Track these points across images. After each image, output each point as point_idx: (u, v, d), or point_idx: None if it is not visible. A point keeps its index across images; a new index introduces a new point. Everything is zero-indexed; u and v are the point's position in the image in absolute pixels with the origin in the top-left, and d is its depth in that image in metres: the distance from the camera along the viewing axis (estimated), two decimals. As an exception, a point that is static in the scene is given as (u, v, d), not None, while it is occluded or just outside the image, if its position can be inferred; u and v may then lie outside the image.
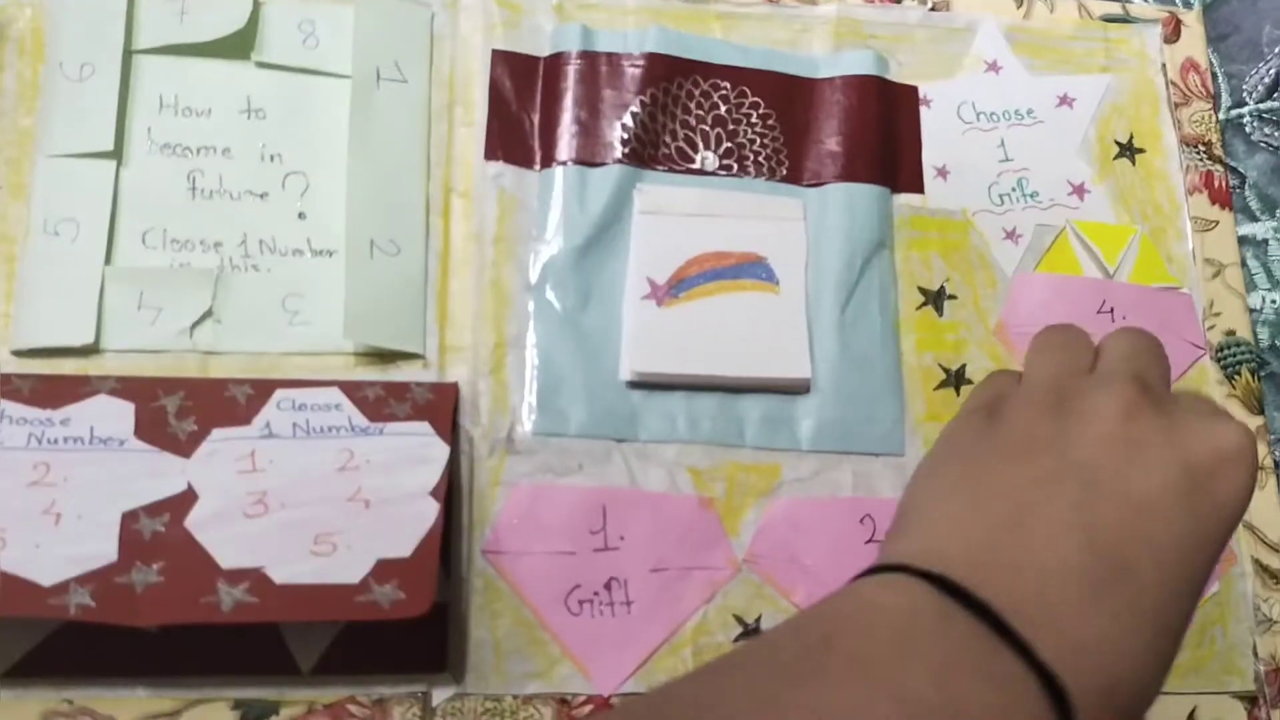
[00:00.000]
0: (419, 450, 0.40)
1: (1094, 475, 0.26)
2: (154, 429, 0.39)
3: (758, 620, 0.41)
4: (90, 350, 0.41)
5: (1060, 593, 0.24)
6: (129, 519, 0.37)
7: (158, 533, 0.37)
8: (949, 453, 0.29)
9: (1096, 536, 0.25)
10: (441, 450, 0.40)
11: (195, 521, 0.38)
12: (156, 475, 0.38)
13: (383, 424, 0.40)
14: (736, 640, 0.41)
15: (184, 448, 0.39)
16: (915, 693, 0.22)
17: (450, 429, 0.41)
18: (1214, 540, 0.26)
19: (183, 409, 0.40)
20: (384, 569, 0.37)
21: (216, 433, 0.39)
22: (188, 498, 0.38)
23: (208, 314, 0.42)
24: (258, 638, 0.39)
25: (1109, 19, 0.52)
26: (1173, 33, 0.52)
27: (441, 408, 0.41)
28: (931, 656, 0.23)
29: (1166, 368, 0.30)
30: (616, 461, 0.42)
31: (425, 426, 0.40)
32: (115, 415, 0.39)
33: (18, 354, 0.41)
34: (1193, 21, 0.52)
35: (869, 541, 0.42)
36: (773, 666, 0.23)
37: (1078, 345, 0.31)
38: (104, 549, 0.37)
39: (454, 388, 0.42)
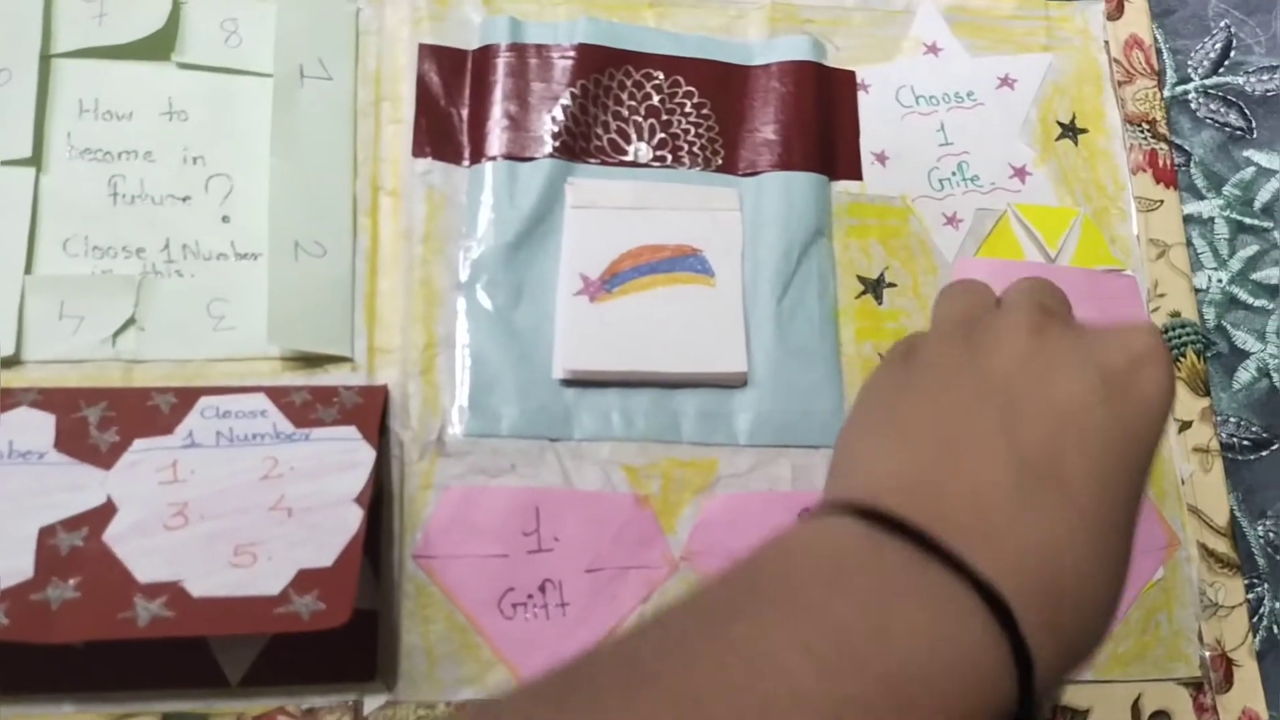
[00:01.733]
0: (345, 456, 0.39)
1: (1013, 393, 0.26)
2: (75, 441, 0.39)
3: (696, 618, 0.41)
4: (11, 362, 0.40)
5: (992, 506, 0.24)
6: (46, 534, 0.37)
7: (76, 547, 0.37)
8: (872, 399, 0.29)
9: (1023, 450, 0.25)
10: (368, 455, 0.39)
11: (113, 535, 0.37)
12: (76, 488, 0.38)
13: (309, 429, 0.40)
14: (675, 638, 0.41)
15: (105, 459, 0.39)
16: (840, 620, 0.21)
17: (378, 432, 0.40)
18: (1142, 438, 0.26)
19: (105, 420, 0.39)
20: (305, 579, 0.36)
21: (138, 443, 0.39)
22: (107, 510, 0.38)
23: (130, 321, 0.41)
24: (185, 650, 0.38)
25: (1051, -3, 0.51)
26: (1116, 9, 0.51)
27: (369, 411, 0.40)
28: (860, 586, 0.22)
29: (1068, 303, 0.30)
30: (550, 461, 0.42)
31: (352, 431, 0.40)
32: (35, 428, 0.39)
33: (-64, 367, 0.40)
34: (1137, -3, 0.51)
35: (808, 535, 0.42)
36: (695, 614, 0.22)
37: (981, 290, 0.31)
38: (19, 565, 0.36)
39: (383, 390, 0.41)
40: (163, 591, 0.36)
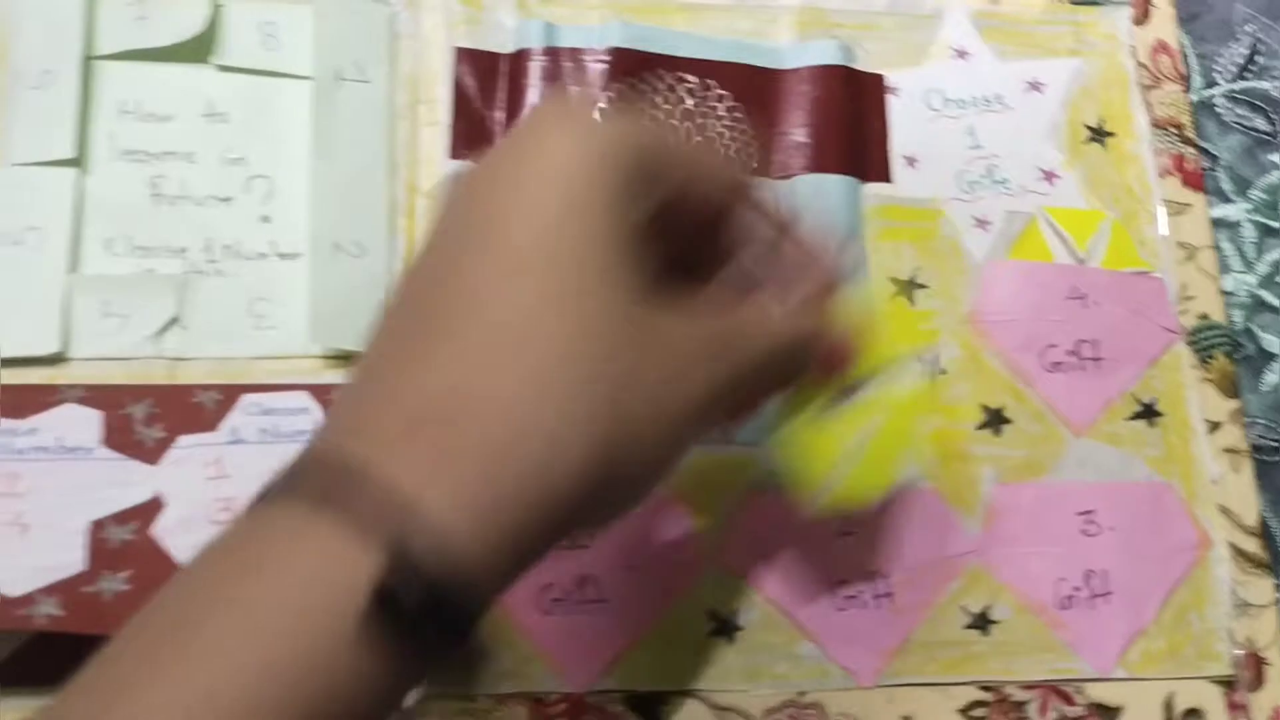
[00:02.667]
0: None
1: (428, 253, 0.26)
2: (121, 436, 0.39)
3: (733, 614, 0.41)
4: (57, 359, 0.41)
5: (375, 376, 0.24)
6: (96, 528, 0.38)
7: (126, 540, 0.38)
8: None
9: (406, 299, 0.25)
10: None
11: (162, 529, 0.38)
12: (124, 483, 0.39)
13: None
14: (710, 636, 0.41)
15: (151, 455, 0.39)
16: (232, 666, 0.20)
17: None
18: (542, 206, 0.23)
19: (150, 416, 0.40)
20: None
21: (183, 439, 0.39)
22: (155, 505, 0.38)
23: (174, 320, 0.41)
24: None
25: (1077, 1, 0.51)
26: (1142, 14, 0.51)
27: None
28: (256, 601, 0.21)
29: None
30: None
31: None
32: (83, 423, 0.39)
33: (-17, 365, 0.41)
34: (1162, 3, 0.52)
35: (842, 534, 0.42)
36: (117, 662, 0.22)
37: None
38: (72, 558, 0.37)
39: (420, 389, 0.42)
40: None
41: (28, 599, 0.36)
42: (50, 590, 0.37)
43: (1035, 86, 0.49)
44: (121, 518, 0.38)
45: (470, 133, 0.45)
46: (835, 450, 0.35)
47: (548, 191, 0.24)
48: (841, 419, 0.35)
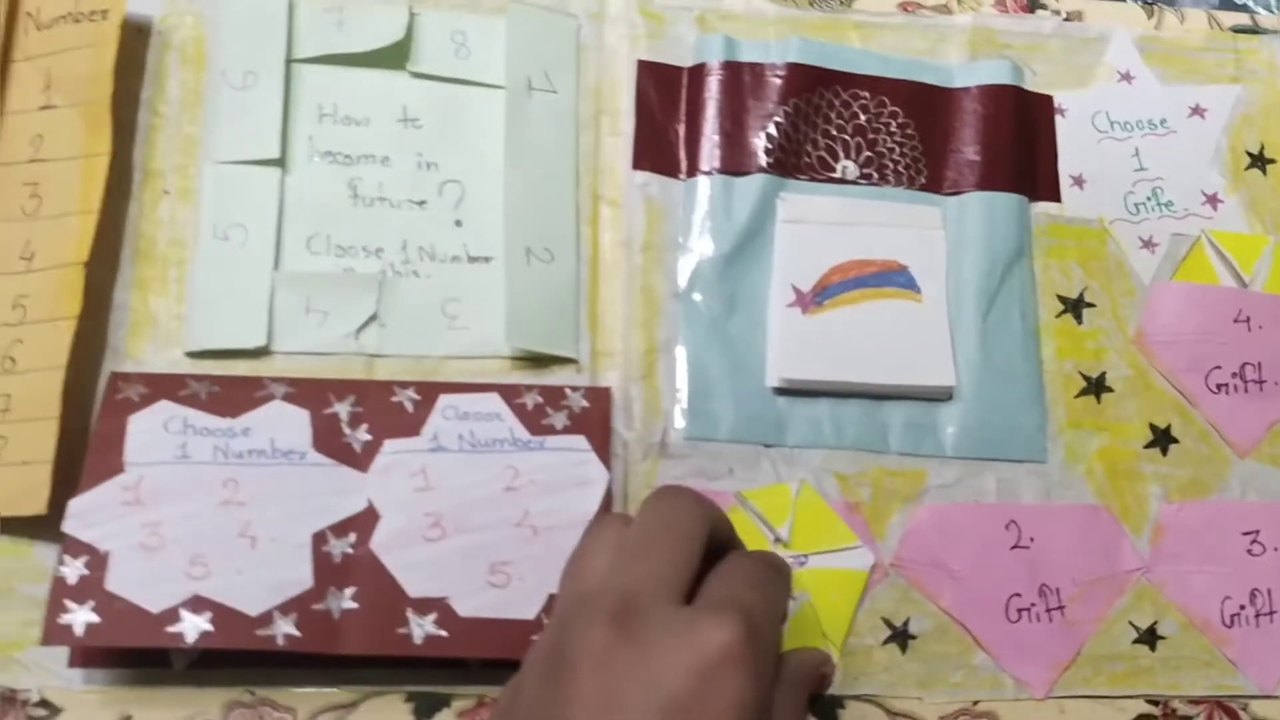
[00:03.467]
0: (578, 469, 0.41)
1: None
2: (330, 440, 0.40)
3: (905, 623, 0.42)
4: (261, 352, 0.42)
5: None
6: (318, 540, 0.38)
7: (347, 554, 0.38)
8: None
9: None
10: (600, 473, 0.41)
11: (380, 544, 0.39)
12: (339, 492, 0.39)
13: (542, 438, 0.41)
14: (885, 644, 0.42)
15: (360, 461, 0.40)
16: None
17: (606, 440, 0.42)
18: None
19: (354, 416, 0.41)
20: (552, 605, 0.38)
21: (388, 444, 0.40)
22: (370, 516, 0.39)
23: (373, 318, 0.43)
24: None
25: (1238, 29, 0.52)
26: (1302, 42, 0.52)
27: (596, 418, 0.42)
28: None
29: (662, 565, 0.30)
30: (765, 467, 0.43)
31: (582, 441, 0.41)
32: (293, 425, 0.40)
33: (191, 355, 0.42)
34: (1323, 32, 0.52)
35: (1014, 547, 0.43)
36: None
37: (605, 549, 0.32)
38: (300, 574, 0.38)
39: (607, 393, 0.43)
40: (432, 608, 0.38)
41: (266, 617, 0.37)
42: (285, 608, 0.37)
43: (1198, 111, 0.50)
44: (340, 529, 0.39)
45: (652, 143, 0.46)
46: None
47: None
48: None
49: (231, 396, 0.41)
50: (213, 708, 0.38)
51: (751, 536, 0.41)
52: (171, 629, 0.37)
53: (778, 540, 0.42)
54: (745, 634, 0.28)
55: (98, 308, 0.42)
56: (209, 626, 0.37)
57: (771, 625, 0.31)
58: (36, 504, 0.38)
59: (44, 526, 0.38)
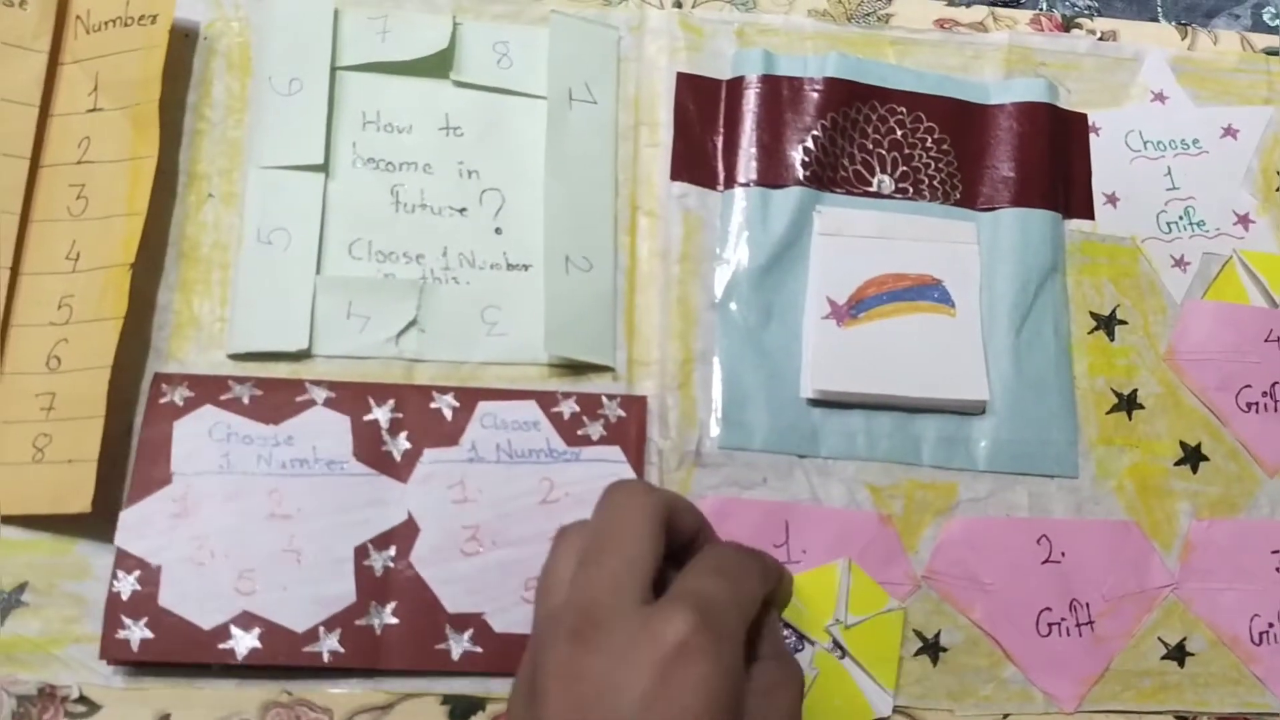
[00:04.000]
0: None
1: None
2: (370, 448, 0.41)
3: (936, 635, 0.42)
4: (302, 355, 0.42)
5: None
6: (360, 553, 0.39)
7: (387, 568, 0.39)
8: None
9: None
10: None
11: (419, 558, 0.39)
12: (379, 503, 0.40)
13: (578, 449, 0.42)
14: (916, 655, 0.42)
15: (400, 471, 0.41)
16: None
17: (641, 451, 0.42)
18: None
19: (394, 423, 0.41)
20: None
21: (428, 454, 0.41)
22: (409, 529, 0.40)
23: (413, 323, 0.43)
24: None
25: (1271, 52, 0.52)
26: (1336, 65, 0.52)
27: (632, 428, 0.42)
28: None
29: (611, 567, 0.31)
30: (799, 477, 0.44)
31: (617, 452, 0.42)
32: (334, 432, 0.41)
33: (234, 357, 0.42)
34: (1354, 54, 0.53)
35: (1045, 562, 0.43)
36: None
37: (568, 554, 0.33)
38: (344, 588, 0.38)
39: (642, 402, 0.43)
40: (469, 624, 0.38)
41: (312, 634, 0.37)
42: (330, 624, 0.38)
43: (1230, 132, 0.50)
44: (380, 542, 0.39)
45: (690, 155, 0.47)
46: None
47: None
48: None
49: (273, 400, 0.41)
50: (250, 707, 0.39)
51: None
52: (222, 646, 0.37)
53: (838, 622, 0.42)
54: (699, 623, 0.28)
55: (141, 309, 0.42)
56: (257, 643, 0.37)
57: (736, 608, 0.31)
58: (81, 502, 0.38)
59: (85, 524, 0.39)
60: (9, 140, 0.43)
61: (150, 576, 0.38)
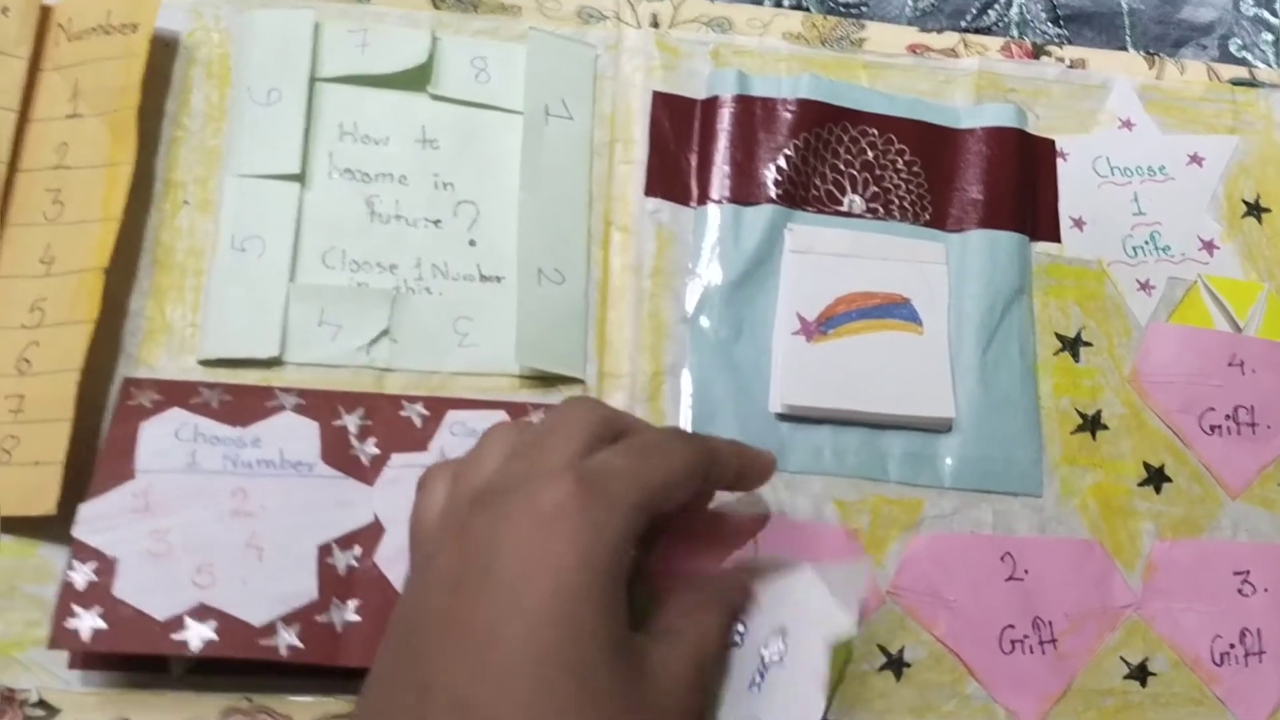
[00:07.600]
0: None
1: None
2: (339, 452, 0.41)
3: (900, 651, 0.43)
4: (274, 362, 0.43)
5: None
6: (324, 552, 0.39)
7: (351, 567, 0.39)
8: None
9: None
10: None
11: (384, 557, 0.39)
12: (345, 504, 0.40)
13: None
14: (880, 670, 0.42)
15: (367, 474, 0.41)
16: None
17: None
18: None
19: (363, 429, 0.41)
20: None
21: (396, 458, 0.41)
22: (375, 530, 0.40)
23: (384, 332, 0.43)
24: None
25: (1236, 82, 0.53)
26: (1298, 96, 0.53)
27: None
28: None
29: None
30: (766, 491, 0.44)
31: None
32: (302, 436, 0.41)
33: (204, 363, 0.42)
34: (1317, 87, 0.54)
35: (1009, 579, 0.44)
36: None
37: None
38: (305, 585, 0.38)
39: (613, 413, 0.44)
40: None
41: (270, 628, 0.37)
42: (289, 619, 0.37)
43: (1196, 160, 0.51)
44: (345, 541, 0.39)
45: (664, 171, 0.47)
46: None
47: (548, 600, 0.28)
48: None
49: (242, 406, 0.41)
50: (210, 713, 0.39)
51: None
52: (176, 636, 0.37)
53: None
54: (577, 488, 0.29)
55: (113, 313, 0.43)
56: (213, 635, 0.37)
57: (631, 479, 0.31)
58: (46, 504, 0.38)
59: (49, 527, 0.39)
60: (-14, 144, 0.43)
61: (106, 568, 0.37)
